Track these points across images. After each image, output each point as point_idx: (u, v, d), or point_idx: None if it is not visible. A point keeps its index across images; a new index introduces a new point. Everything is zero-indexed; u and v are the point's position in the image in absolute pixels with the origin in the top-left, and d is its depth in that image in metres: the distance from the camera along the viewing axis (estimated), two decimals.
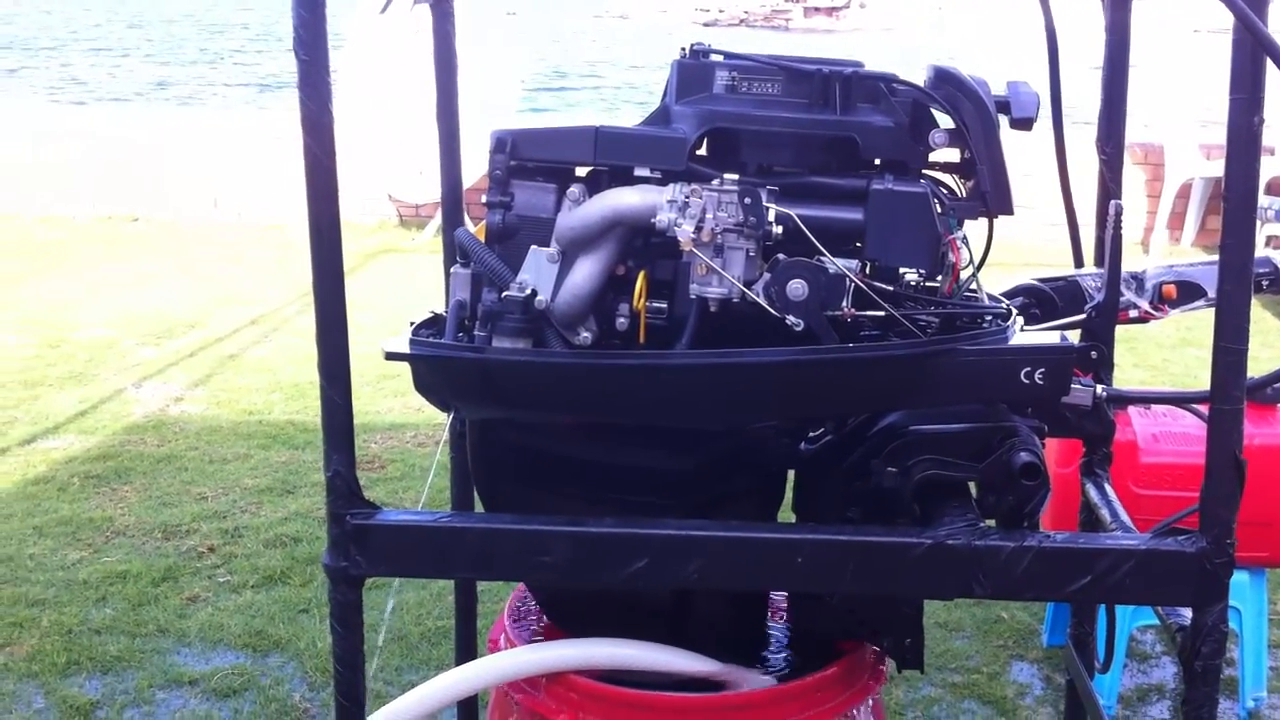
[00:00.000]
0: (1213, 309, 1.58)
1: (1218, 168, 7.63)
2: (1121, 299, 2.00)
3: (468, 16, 7.75)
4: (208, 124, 9.50)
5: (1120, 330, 2.06)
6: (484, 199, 1.78)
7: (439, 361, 1.75)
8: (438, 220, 8.69)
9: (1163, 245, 8.02)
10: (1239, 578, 3.02)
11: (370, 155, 8.21)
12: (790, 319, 1.64)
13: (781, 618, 2.04)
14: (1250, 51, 1.46)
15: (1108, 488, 2.11)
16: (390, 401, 5.36)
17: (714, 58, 1.75)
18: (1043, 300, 2.01)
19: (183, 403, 5.46)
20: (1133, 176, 8.04)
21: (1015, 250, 5.40)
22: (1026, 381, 1.63)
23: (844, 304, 1.65)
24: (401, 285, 7.09)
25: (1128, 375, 5.62)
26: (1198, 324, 6.34)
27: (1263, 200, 6.92)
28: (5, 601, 3.67)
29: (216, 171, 9.19)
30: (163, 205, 9.25)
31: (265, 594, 3.76)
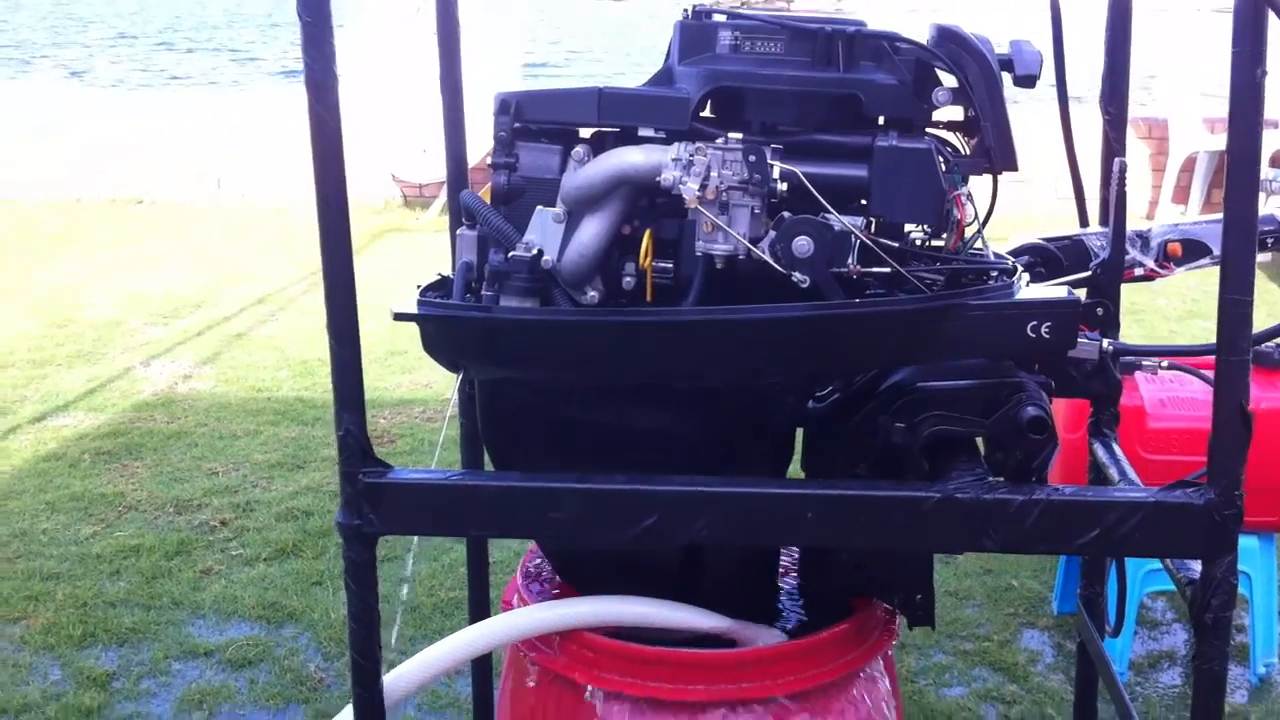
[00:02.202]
0: (1217, 267, 1.59)
1: (1222, 141, 7.59)
2: (1127, 257, 2.01)
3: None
4: (211, 107, 9.49)
5: (1126, 303, 2.07)
6: (489, 160, 1.79)
7: (447, 321, 1.76)
8: (442, 199, 8.71)
9: (1168, 219, 8.02)
10: (1249, 543, 3.03)
11: (373, 135, 8.22)
12: (796, 275, 1.65)
13: (793, 575, 2.05)
14: (1252, 3, 1.46)
15: (1115, 447, 2.12)
16: (398, 378, 5.38)
17: (716, 18, 1.76)
18: (1048, 259, 2.01)
19: (191, 380, 5.48)
20: (1137, 151, 8.02)
21: (1021, 221, 5.40)
22: (1033, 335, 1.64)
23: (850, 260, 1.66)
24: (406, 264, 7.10)
25: None
26: (1204, 296, 6.38)
27: (1267, 172, 6.90)
28: (20, 575, 3.70)
29: (220, 154, 9.19)
30: (167, 188, 9.26)
31: (278, 566, 3.78)
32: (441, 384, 5.27)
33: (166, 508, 4.19)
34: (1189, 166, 7.89)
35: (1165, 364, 2.63)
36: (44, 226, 8.51)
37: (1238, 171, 1.50)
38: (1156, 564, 2.95)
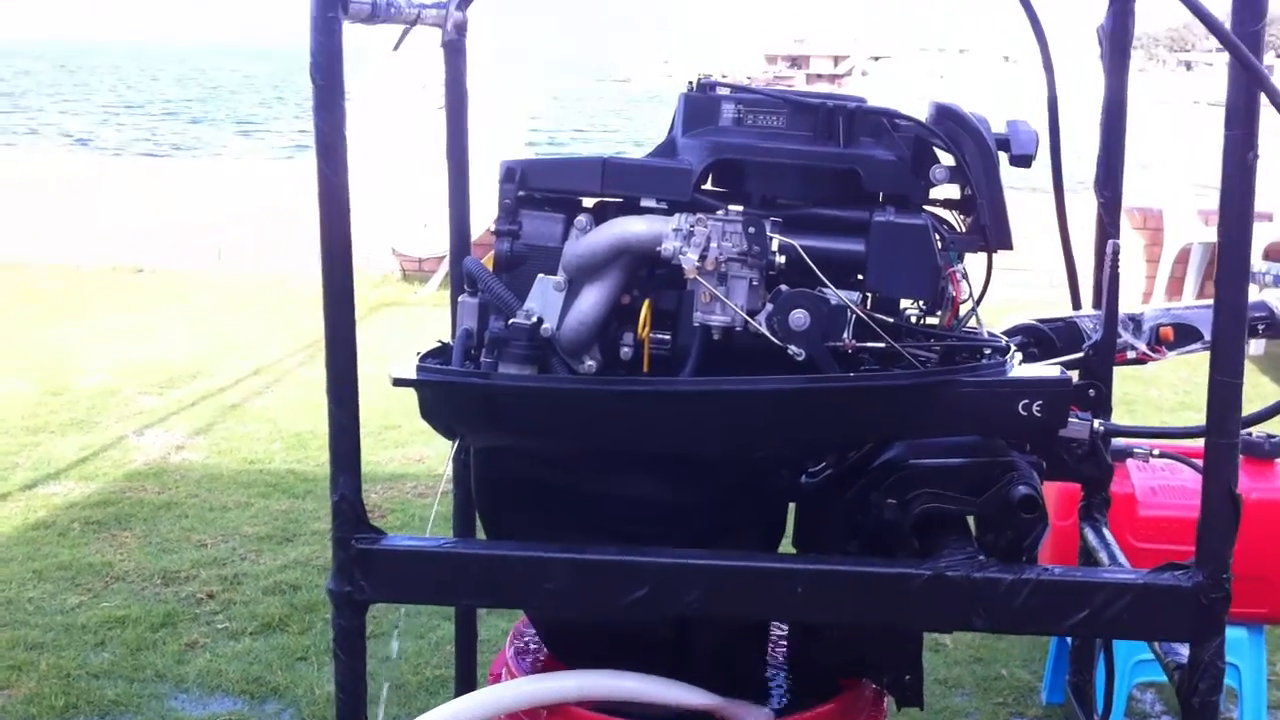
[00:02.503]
0: (1209, 353, 1.61)
1: (1215, 233, 7.71)
2: (1119, 340, 2.03)
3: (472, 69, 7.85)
4: (213, 177, 9.57)
5: (1118, 393, 2.08)
6: (492, 227, 1.82)
7: (445, 387, 1.77)
8: (441, 274, 8.77)
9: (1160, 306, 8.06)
10: (1237, 634, 3.02)
11: (374, 208, 8.29)
12: (792, 348, 1.67)
13: (781, 652, 2.04)
14: (1245, 88, 1.50)
15: (1106, 532, 2.13)
16: (391, 452, 5.37)
17: (720, 91, 1.79)
18: (1041, 340, 2.03)
19: (184, 451, 5.46)
20: (1132, 241, 8.10)
21: (1015, 308, 5.42)
22: (1025, 413, 1.65)
23: (845, 335, 1.68)
24: (403, 337, 7.11)
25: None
26: (1195, 388, 6.41)
27: (1259, 265, 6.97)
28: (4, 644, 3.65)
29: (221, 224, 9.26)
30: (168, 256, 9.32)
31: (264, 641, 3.74)
32: (434, 459, 5.26)
33: (154, 579, 4.15)
34: (1184, 258, 7.96)
35: (1157, 452, 2.65)
36: (44, 291, 8.54)
37: (1229, 253, 1.53)
38: (1145, 654, 2.95)
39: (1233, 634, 3.00)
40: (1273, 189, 7.81)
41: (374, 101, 8.47)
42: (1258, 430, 3.02)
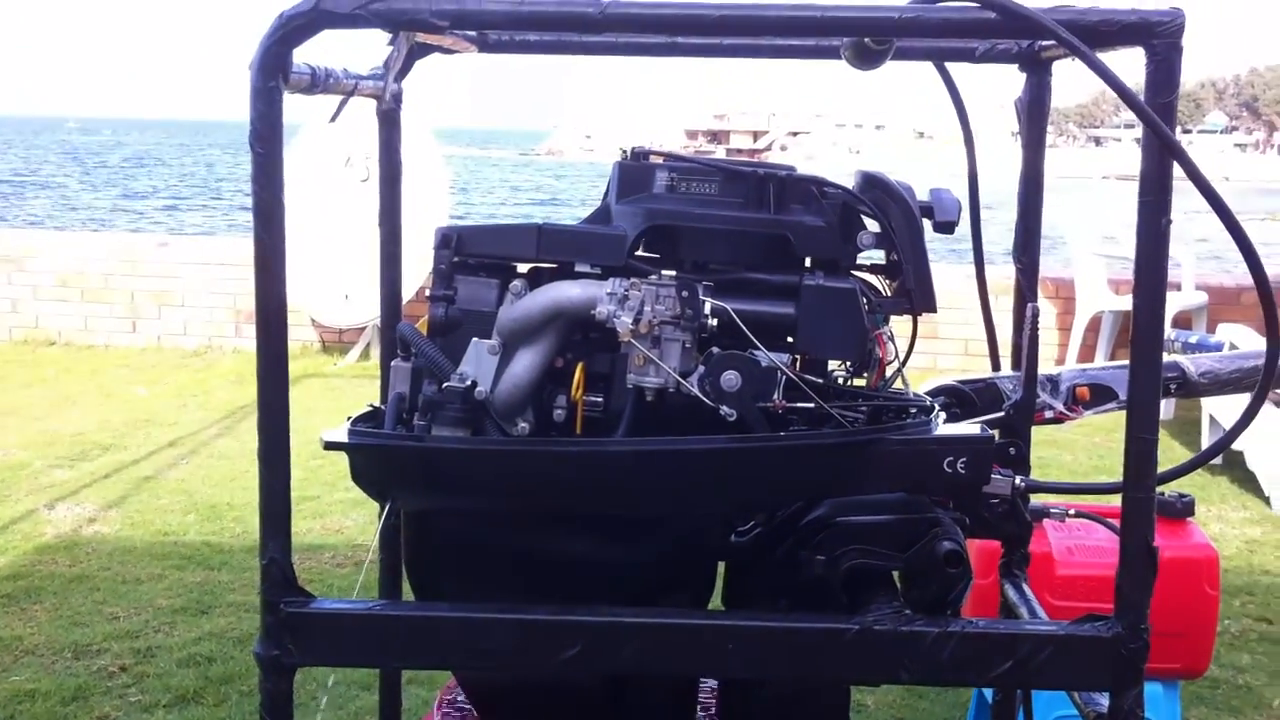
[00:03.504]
0: (1123, 412, 1.67)
1: (1126, 302, 7.94)
2: (1038, 400, 2.08)
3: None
4: (127, 248, 9.47)
5: (1034, 458, 2.14)
6: (427, 293, 1.83)
7: (378, 450, 1.78)
8: (361, 345, 8.73)
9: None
10: (1153, 689, 3.08)
11: (295, 279, 8.24)
12: (724, 409, 1.70)
13: (711, 710, 2.05)
14: (1159, 157, 1.57)
15: (1025, 588, 2.17)
16: (309, 523, 5.31)
17: (654, 159, 1.84)
18: (962, 400, 2.09)
19: (96, 524, 5.36)
20: (1045, 310, 8.28)
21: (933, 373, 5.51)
22: (949, 470, 1.70)
23: (776, 395, 1.72)
24: (325, 408, 7.06)
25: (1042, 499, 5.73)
26: (1109, 452, 6.55)
27: (1170, 332, 7.17)
28: None
29: (137, 297, 9.18)
30: (82, 330, 9.20)
31: (178, 714, 3.67)
32: (353, 529, 5.22)
33: (65, 652, 4.06)
34: (1095, 325, 8.16)
35: (1073, 512, 2.71)
36: None
37: (1144, 314, 1.59)
38: (1064, 710, 3.00)
39: (1149, 689, 3.05)
40: (1180, 261, 8.08)
41: (299, 174, 8.47)
42: (1169, 490, 3.12)
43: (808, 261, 1.82)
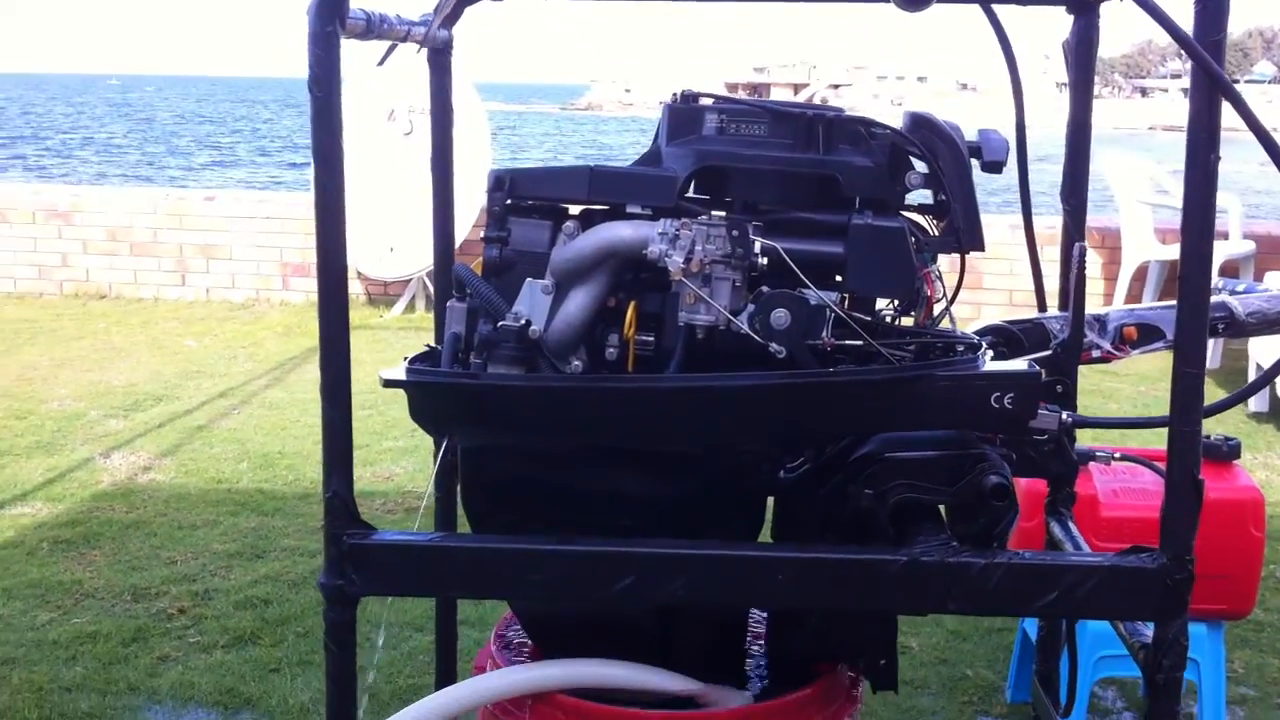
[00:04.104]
0: (1170, 352, 1.69)
1: (1172, 251, 7.88)
2: (1085, 339, 2.10)
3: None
4: (175, 202, 9.57)
5: (1080, 407, 2.15)
6: (482, 234, 1.87)
7: (436, 388, 1.82)
8: (407, 297, 8.80)
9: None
10: (1197, 630, 3.10)
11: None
12: (774, 346, 1.73)
13: (761, 640, 2.10)
14: (1207, 94, 1.58)
15: (1071, 525, 2.20)
16: (359, 470, 5.32)
17: (703, 101, 1.86)
18: (1010, 339, 2.11)
19: (151, 472, 5.46)
20: (1090, 259, 8.22)
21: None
22: (996, 406, 1.72)
23: (824, 333, 1.75)
24: (370, 360, 7.15)
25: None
26: (1155, 401, 6.53)
27: (1216, 280, 7.11)
28: None
29: (183, 250, 9.29)
30: (131, 283, 9.33)
31: (236, 654, 3.76)
32: (403, 477, 5.29)
33: (124, 595, 4.16)
34: (1140, 275, 8.09)
35: (1118, 455, 2.73)
36: (5, 319, 8.51)
37: (1192, 251, 1.60)
38: (1108, 651, 3.03)
39: (1193, 629, 3.08)
40: (1227, 209, 8.00)
41: (345, 126, 8.52)
42: (1215, 434, 3.12)
43: (857, 202, 1.84)
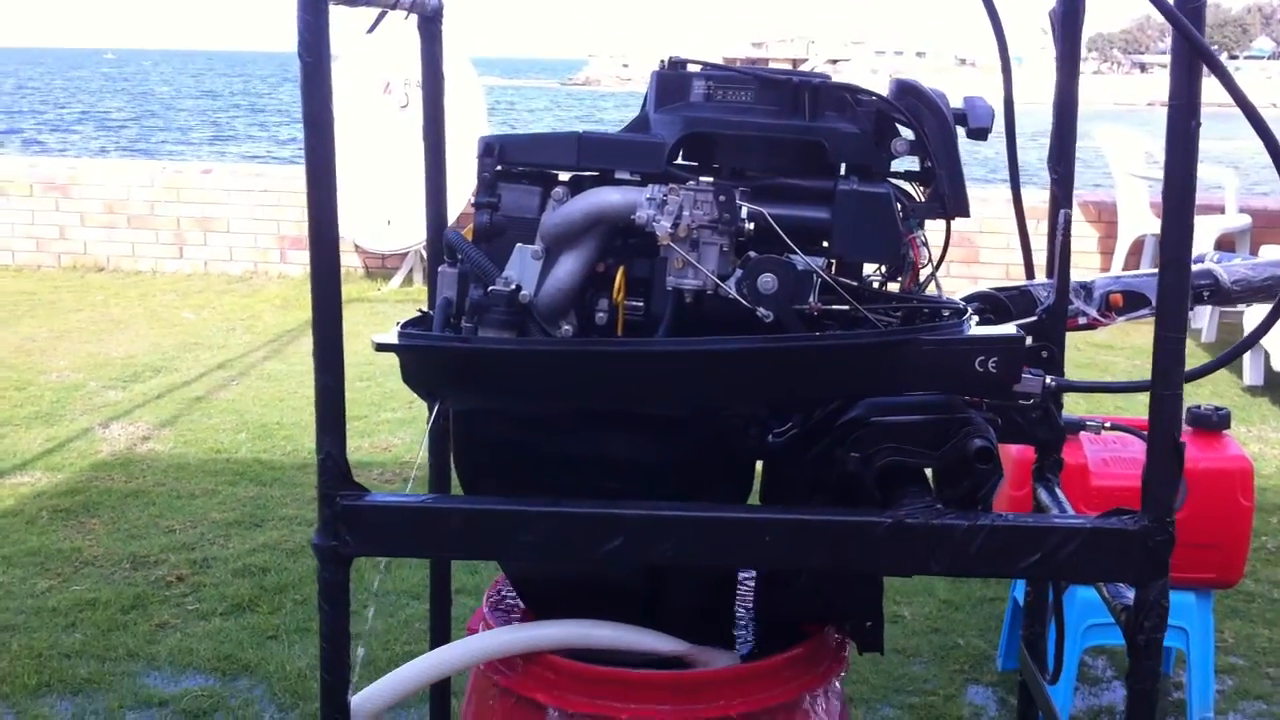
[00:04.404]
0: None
1: None
2: (1071, 307, 2.12)
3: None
4: (172, 175, 9.57)
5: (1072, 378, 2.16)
6: (472, 200, 1.89)
7: (427, 351, 1.84)
8: (405, 270, 8.82)
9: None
10: (1185, 599, 3.13)
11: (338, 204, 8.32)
12: (761, 311, 1.75)
13: (749, 602, 2.12)
14: (1188, 60, 1.59)
15: (1058, 491, 2.22)
16: (356, 441, 5.42)
17: (691, 68, 1.87)
18: (998, 306, 2.13)
19: (150, 442, 5.49)
20: (1086, 234, 8.25)
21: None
22: (981, 370, 1.74)
23: (811, 298, 1.76)
24: (367, 333, 7.12)
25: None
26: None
27: (1212, 254, 7.12)
28: None
29: (180, 223, 9.30)
30: (129, 255, 9.35)
31: (234, 621, 3.79)
32: (400, 448, 5.32)
33: (123, 563, 4.19)
34: (1137, 250, 8.10)
35: (1109, 425, 2.75)
36: (4, 292, 8.53)
37: (1173, 216, 1.62)
38: (1096, 619, 3.06)
39: (1182, 599, 3.13)
40: (1223, 184, 8.01)
41: (338, 101, 8.51)
42: (1206, 404, 3.15)
43: (843, 168, 1.85)
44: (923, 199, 1.88)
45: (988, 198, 8.03)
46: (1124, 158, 8.09)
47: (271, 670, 3.47)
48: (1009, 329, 1.82)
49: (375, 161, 7.91)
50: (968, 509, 1.78)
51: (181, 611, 3.86)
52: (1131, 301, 2.12)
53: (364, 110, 8.20)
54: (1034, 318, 2.09)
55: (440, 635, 2.42)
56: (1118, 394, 6.20)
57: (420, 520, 1.84)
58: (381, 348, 1.85)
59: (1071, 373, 2.26)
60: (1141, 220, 8.02)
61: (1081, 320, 2.13)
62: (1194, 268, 2.23)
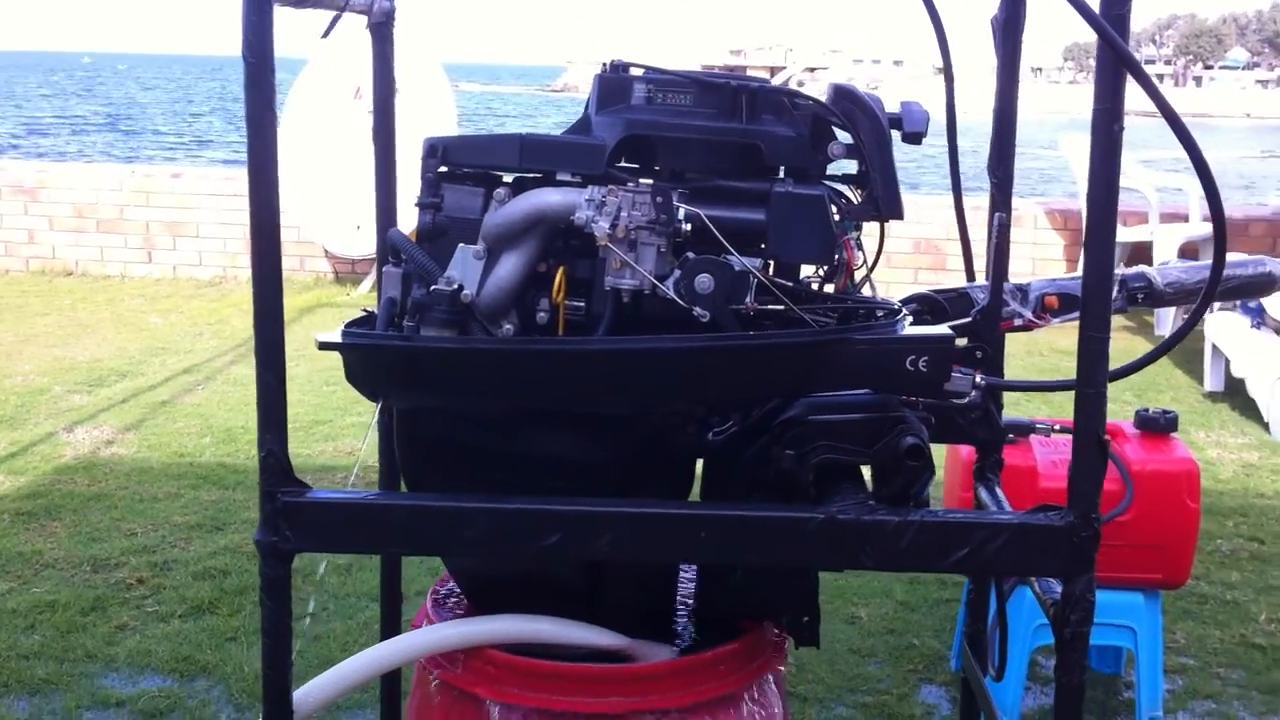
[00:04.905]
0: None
1: (1133, 233, 7.97)
2: (1008, 309, 2.16)
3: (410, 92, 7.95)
4: (141, 179, 9.55)
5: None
6: (415, 201, 1.91)
7: (370, 350, 1.87)
8: (373, 275, 8.81)
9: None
10: (1134, 599, 3.18)
11: (306, 211, 8.34)
12: (697, 310, 1.78)
13: (689, 598, 2.15)
14: (1113, 66, 1.63)
15: (998, 490, 2.26)
16: (322, 445, 5.43)
17: (633, 72, 1.90)
18: (935, 308, 2.16)
19: (114, 446, 5.49)
20: (1052, 241, 8.33)
21: None
22: (912, 369, 1.77)
23: (748, 298, 1.80)
24: None
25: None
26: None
27: (1176, 262, 7.20)
28: None
29: (149, 227, 9.29)
30: (97, 260, 9.33)
31: (193, 623, 3.80)
32: (367, 452, 5.33)
33: (83, 566, 4.20)
34: None
35: (1058, 428, 2.80)
36: None
37: (1096, 218, 1.66)
38: (1046, 619, 3.10)
39: (1129, 599, 3.17)
40: (1187, 192, 8.09)
41: (309, 106, 8.53)
42: (1155, 407, 3.20)
43: (780, 171, 1.89)
44: (858, 201, 1.92)
45: (951, 204, 8.09)
46: (1087, 167, 8.16)
47: (229, 671, 3.48)
48: (940, 329, 1.85)
49: (345, 166, 7.93)
50: (900, 505, 1.81)
51: (141, 613, 3.86)
52: (1066, 304, 2.16)
53: (334, 115, 8.21)
54: (968, 319, 2.12)
55: (390, 633, 2.44)
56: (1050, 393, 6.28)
57: (360, 516, 1.86)
58: (324, 346, 1.87)
59: (1035, 377, 2.30)
60: None
61: (1017, 322, 2.17)
62: (1129, 271, 2.28)
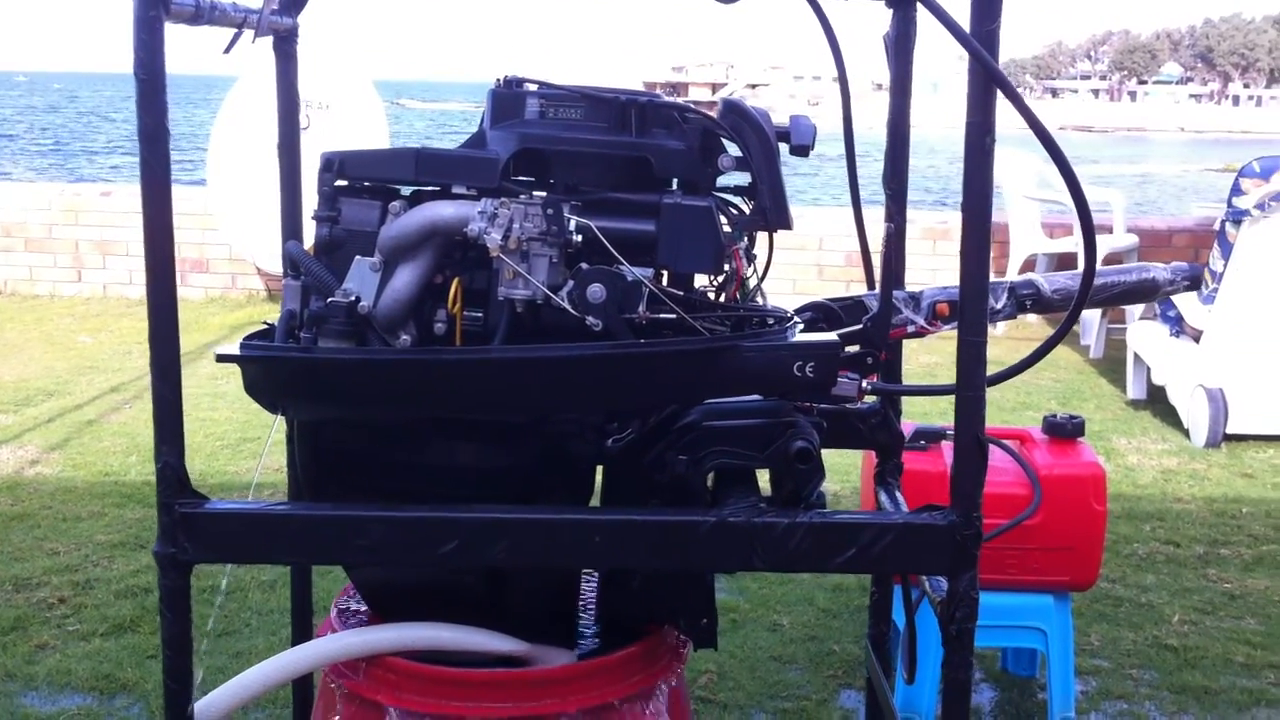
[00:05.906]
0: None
1: (1060, 245, 8.10)
2: (900, 316, 2.21)
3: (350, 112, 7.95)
4: (70, 198, 9.47)
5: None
6: (313, 215, 1.93)
7: (268, 362, 1.89)
8: None
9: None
10: (1044, 601, 3.24)
11: (239, 227, 8.31)
12: (590, 320, 1.81)
13: (591, 603, 2.18)
14: (983, 82, 1.68)
15: (898, 494, 2.31)
16: (249, 462, 5.41)
17: (527, 87, 1.94)
18: (830, 315, 2.21)
19: (38, 465, 5.44)
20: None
21: None
22: (799, 374, 1.82)
23: (640, 308, 1.83)
24: None
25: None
26: (1037, 390, 6.73)
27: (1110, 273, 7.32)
28: None
29: (79, 246, 9.21)
30: (26, 279, 9.23)
31: (115, 641, 3.78)
32: (277, 465, 5.32)
33: (4, 586, 4.16)
34: (1028, 268, 8.31)
35: None
36: None
37: (970, 226, 1.71)
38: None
39: (1040, 601, 3.23)
40: (1111, 204, 8.24)
41: (240, 122, 8.49)
42: (1062, 412, 3.27)
43: (671, 183, 1.93)
44: (747, 212, 1.96)
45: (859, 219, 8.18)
46: (1017, 180, 8.30)
47: (150, 689, 3.46)
48: (826, 336, 1.90)
49: (275, 184, 7.90)
50: (792, 508, 1.85)
51: (62, 632, 3.83)
52: (957, 310, 2.20)
53: (264, 132, 8.18)
54: (858, 325, 2.17)
55: (301, 640, 2.45)
56: (1007, 413, 6.37)
57: (257, 526, 1.87)
58: (223, 358, 1.89)
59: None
60: (1033, 240, 8.24)
61: (910, 329, 2.22)
62: (1018, 279, 2.35)
